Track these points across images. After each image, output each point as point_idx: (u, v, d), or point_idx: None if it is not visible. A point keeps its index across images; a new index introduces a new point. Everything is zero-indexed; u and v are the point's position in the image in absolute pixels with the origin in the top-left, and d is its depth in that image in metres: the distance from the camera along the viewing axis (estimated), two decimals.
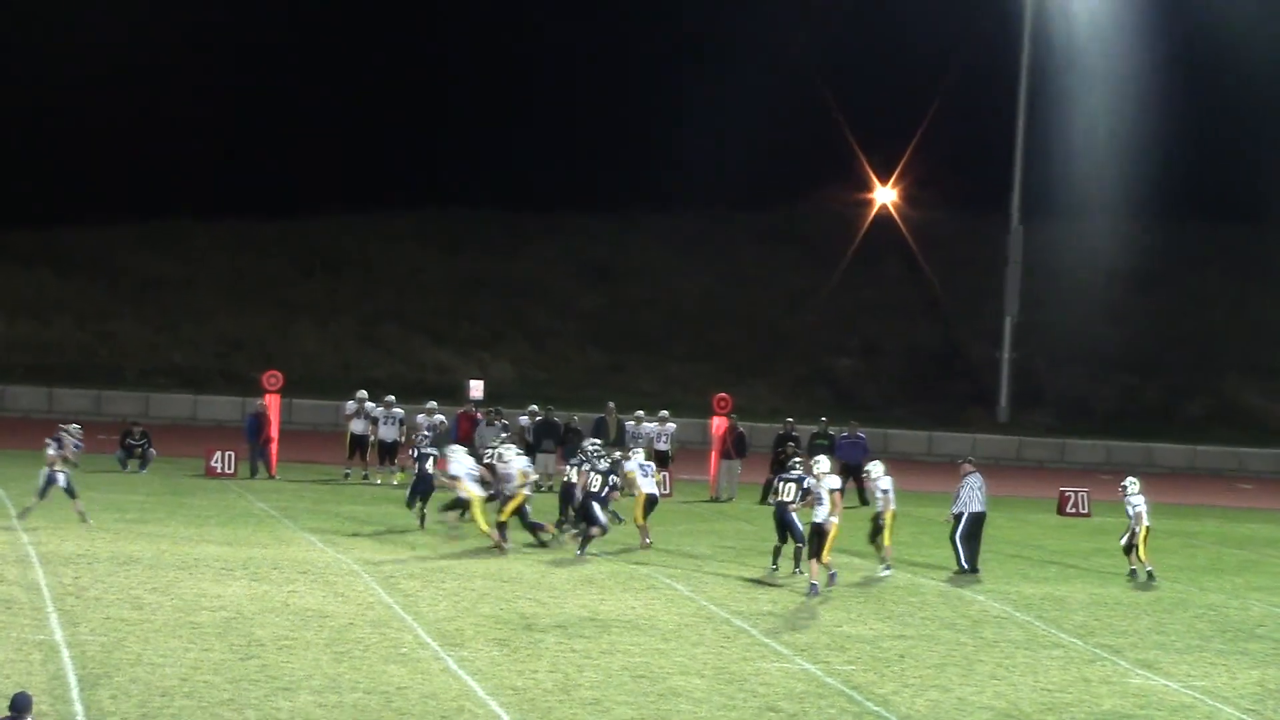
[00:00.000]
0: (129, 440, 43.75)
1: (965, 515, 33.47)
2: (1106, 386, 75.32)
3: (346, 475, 44.07)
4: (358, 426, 44.26)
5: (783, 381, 72.87)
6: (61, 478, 32.48)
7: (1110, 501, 49.15)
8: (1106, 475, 58.99)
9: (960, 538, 33.40)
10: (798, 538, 30.94)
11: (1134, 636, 27.57)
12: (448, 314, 74.37)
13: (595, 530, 32.92)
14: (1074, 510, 46.21)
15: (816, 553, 29.83)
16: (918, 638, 26.40)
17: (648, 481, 34.99)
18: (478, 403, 45.71)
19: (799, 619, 27.32)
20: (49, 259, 73.06)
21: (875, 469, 33.47)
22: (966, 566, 33.25)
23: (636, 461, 35.38)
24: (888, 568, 32.58)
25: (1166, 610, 30.27)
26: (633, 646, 24.39)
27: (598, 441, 36.98)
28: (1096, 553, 37.82)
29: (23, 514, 32.52)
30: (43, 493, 32.43)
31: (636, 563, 32.03)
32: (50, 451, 32.65)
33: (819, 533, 29.86)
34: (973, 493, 33.69)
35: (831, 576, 30.21)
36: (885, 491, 32.99)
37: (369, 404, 44.54)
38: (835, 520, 30.02)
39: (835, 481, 31.06)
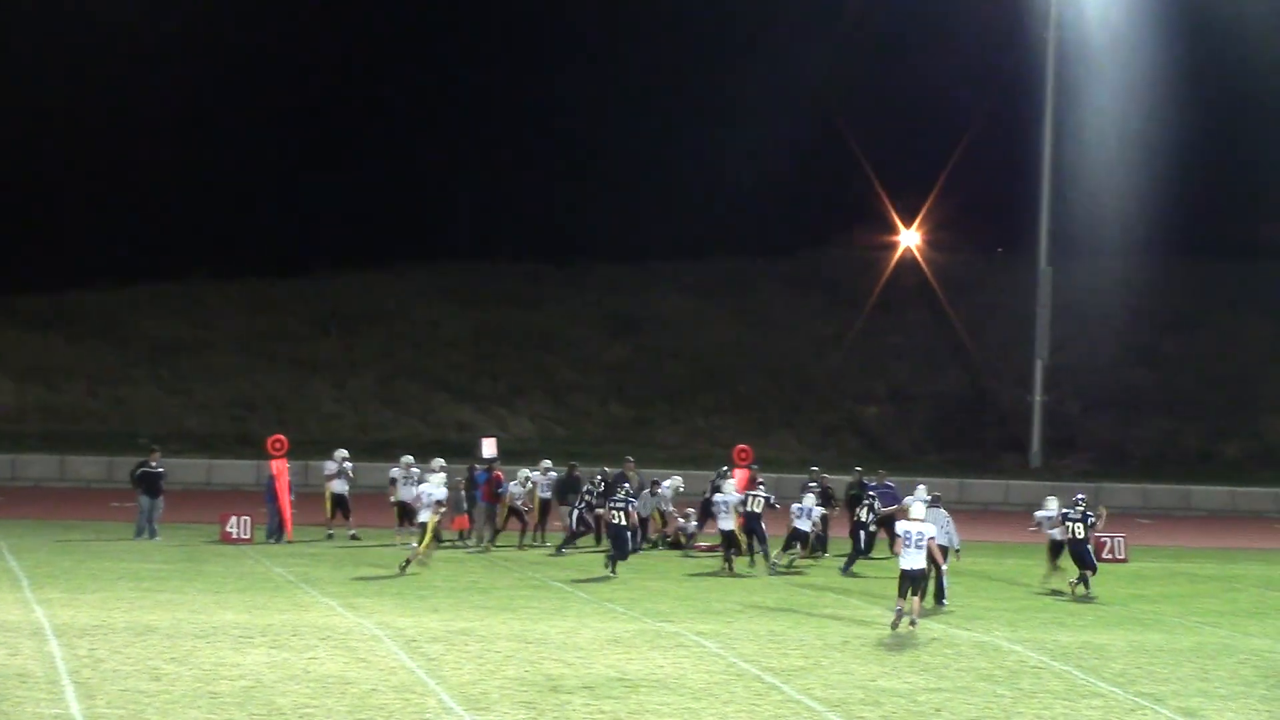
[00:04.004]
0: (145, 469, 42.84)
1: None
2: (1141, 429, 74.41)
3: (329, 535, 43.84)
4: (337, 486, 44.11)
5: (810, 431, 72.33)
6: None
7: (1145, 546, 48.68)
8: (1145, 519, 58.39)
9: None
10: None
11: (1176, 684, 26.89)
12: (467, 370, 73.88)
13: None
14: (1110, 556, 44.79)
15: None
16: (954, 690, 25.86)
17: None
18: (491, 462, 45.11)
19: (831, 674, 26.76)
20: (60, 324, 72.76)
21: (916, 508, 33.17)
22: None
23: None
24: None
25: (1209, 656, 29.59)
26: (662, 706, 23.88)
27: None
28: (1135, 599, 37.45)
29: None
30: None
31: (664, 620, 31.47)
32: None
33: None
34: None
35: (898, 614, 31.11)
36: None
37: (348, 464, 44.52)
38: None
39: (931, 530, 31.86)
